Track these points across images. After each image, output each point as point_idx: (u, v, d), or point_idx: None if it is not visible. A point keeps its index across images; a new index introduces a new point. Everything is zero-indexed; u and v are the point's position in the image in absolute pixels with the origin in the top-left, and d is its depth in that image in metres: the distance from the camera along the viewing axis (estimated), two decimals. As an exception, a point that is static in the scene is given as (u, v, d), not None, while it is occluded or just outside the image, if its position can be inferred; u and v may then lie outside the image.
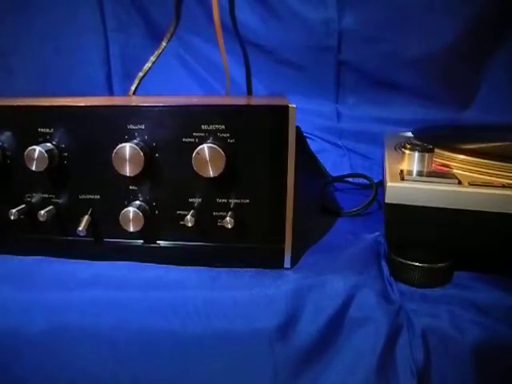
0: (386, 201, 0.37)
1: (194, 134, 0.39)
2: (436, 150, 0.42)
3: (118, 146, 0.38)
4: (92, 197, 0.42)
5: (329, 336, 0.36)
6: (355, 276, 0.39)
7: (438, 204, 0.36)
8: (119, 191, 0.41)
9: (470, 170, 0.41)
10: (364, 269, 0.41)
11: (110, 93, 0.85)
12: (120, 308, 0.37)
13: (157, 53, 0.84)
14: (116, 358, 0.37)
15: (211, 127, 0.38)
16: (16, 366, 0.38)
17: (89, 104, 0.40)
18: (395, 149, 0.51)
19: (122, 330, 0.37)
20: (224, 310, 0.37)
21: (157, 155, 0.40)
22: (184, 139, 0.39)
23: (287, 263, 0.41)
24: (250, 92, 0.82)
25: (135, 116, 0.39)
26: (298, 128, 0.41)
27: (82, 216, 0.42)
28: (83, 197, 0.42)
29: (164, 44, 0.83)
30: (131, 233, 0.40)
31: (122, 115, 0.39)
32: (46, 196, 0.42)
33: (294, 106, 0.37)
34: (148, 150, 0.39)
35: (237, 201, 0.40)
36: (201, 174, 0.38)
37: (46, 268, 0.42)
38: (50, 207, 0.42)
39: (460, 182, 0.37)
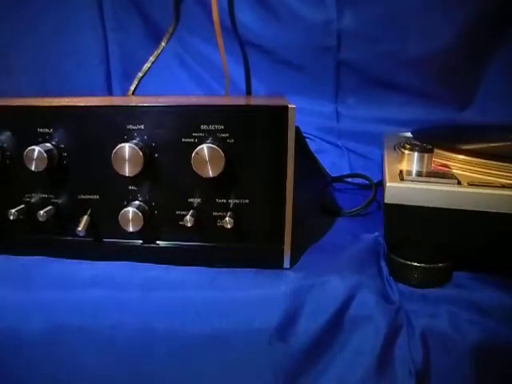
0: (386, 201, 0.37)
1: (194, 134, 0.39)
2: (435, 150, 0.42)
3: (118, 146, 0.38)
4: (91, 197, 0.42)
5: (328, 336, 0.36)
6: (355, 276, 0.39)
7: (438, 204, 0.36)
8: (118, 191, 0.41)
9: (469, 170, 0.41)
10: (363, 269, 0.41)
11: (109, 93, 0.85)
12: (119, 308, 0.37)
13: (156, 53, 0.84)
14: (115, 358, 0.37)
15: (210, 127, 0.38)
16: (15, 366, 0.38)
17: (88, 104, 0.40)
18: (394, 149, 0.51)
19: (122, 330, 0.37)
20: (224, 310, 0.37)
21: (156, 155, 0.40)
22: (183, 139, 0.39)
23: (286, 263, 0.41)
24: (249, 92, 0.82)
25: (134, 116, 0.39)
26: (297, 128, 0.41)
27: (82, 216, 0.42)
28: (82, 197, 0.42)
29: (163, 44, 0.83)
30: (130, 233, 0.40)
31: (122, 115, 0.39)
32: (46, 196, 0.42)
33: (294, 106, 0.37)
34: (147, 150, 0.39)
35: (236, 201, 0.40)
36: (200, 174, 0.38)
37: (46, 268, 0.42)
38: (50, 207, 0.42)
39: (459, 182, 0.37)
